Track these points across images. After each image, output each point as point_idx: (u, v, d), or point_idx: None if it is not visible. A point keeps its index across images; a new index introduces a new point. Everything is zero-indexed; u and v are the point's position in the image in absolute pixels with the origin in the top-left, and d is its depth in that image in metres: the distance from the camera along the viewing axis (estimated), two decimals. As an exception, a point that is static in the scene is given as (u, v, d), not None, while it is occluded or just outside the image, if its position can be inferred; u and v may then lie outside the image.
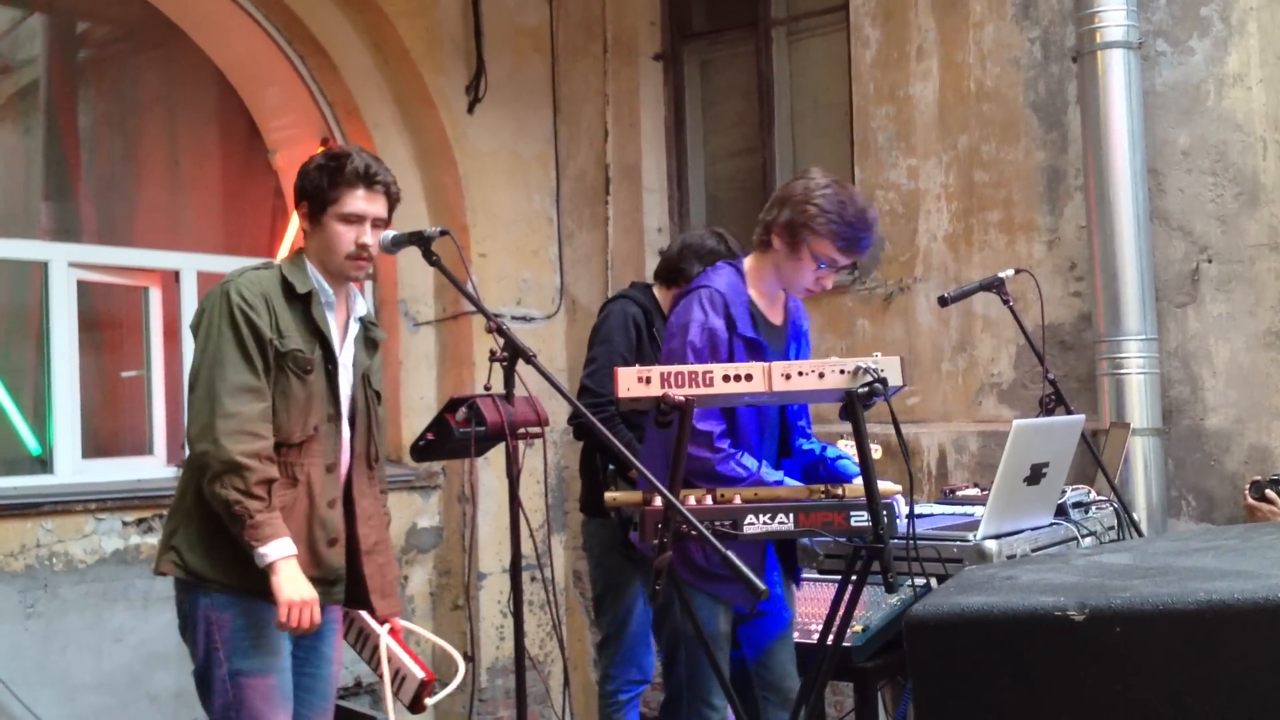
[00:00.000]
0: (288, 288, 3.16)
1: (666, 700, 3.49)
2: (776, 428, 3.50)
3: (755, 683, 3.54)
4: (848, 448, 3.75)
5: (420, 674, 3.27)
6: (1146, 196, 4.56)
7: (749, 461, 3.25)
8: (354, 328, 3.29)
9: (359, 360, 3.31)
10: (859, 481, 3.00)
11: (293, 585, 2.98)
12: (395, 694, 3.31)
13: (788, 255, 3.36)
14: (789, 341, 3.53)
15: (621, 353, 4.15)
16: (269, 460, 3.02)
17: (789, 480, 3.30)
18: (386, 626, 3.34)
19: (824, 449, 3.66)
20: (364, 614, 3.34)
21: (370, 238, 3.19)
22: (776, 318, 3.50)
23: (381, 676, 3.29)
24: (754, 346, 3.34)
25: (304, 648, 3.23)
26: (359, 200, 3.16)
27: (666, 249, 4.56)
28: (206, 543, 3.07)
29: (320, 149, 3.32)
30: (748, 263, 3.49)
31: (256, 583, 3.03)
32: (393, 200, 3.26)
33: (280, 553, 2.98)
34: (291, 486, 3.12)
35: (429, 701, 3.27)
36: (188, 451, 3.18)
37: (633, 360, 4.09)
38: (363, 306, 3.34)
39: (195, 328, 3.15)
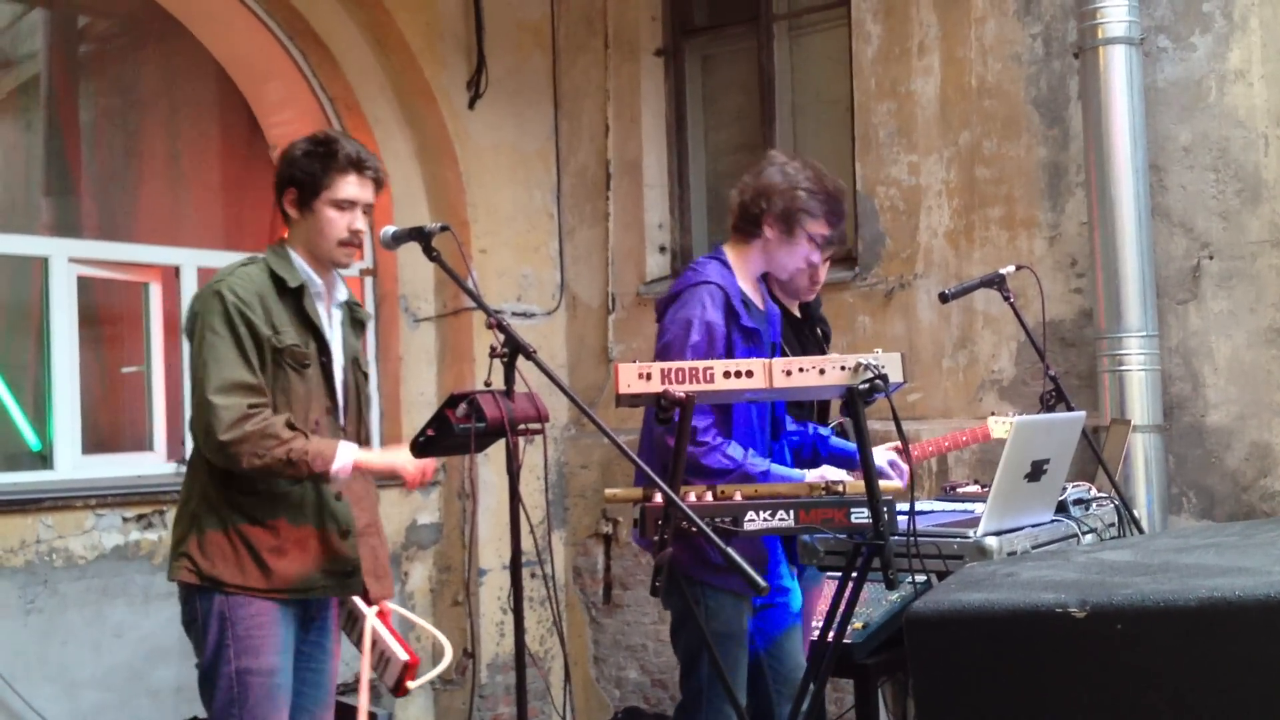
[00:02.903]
0: (278, 282, 3.14)
1: (683, 703, 3.50)
2: (768, 414, 3.59)
3: (768, 675, 3.56)
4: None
5: (404, 656, 3.27)
6: (1148, 193, 4.55)
7: (734, 451, 3.32)
8: (337, 314, 3.29)
9: (348, 344, 3.32)
10: (860, 479, 3.00)
11: (378, 466, 3.10)
12: (380, 676, 3.32)
13: (782, 241, 3.51)
14: (769, 325, 3.61)
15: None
16: (268, 408, 3.03)
17: (776, 468, 3.36)
18: (375, 609, 3.35)
19: (814, 429, 3.72)
20: (354, 596, 3.36)
21: (362, 223, 3.19)
22: (760, 303, 3.61)
23: (364, 656, 3.29)
24: (751, 335, 3.44)
25: (308, 643, 3.26)
26: (352, 185, 3.16)
27: None
28: (218, 546, 3.09)
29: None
30: (729, 252, 3.59)
31: (270, 582, 3.08)
32: (379, 187, 3.26)
33: (347, 459, 3.03)
34: (300, 482, 3.14)
35: (411, 685, 3.28)
36: (189, 454, 3.20)
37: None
38: (343, 290, 3.33)
39: (190, 332, 3.13)
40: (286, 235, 3.26)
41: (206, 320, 3.05)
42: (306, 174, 3.16)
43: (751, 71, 6.04)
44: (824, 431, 3.80)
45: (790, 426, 3.70)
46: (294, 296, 3.16)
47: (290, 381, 3.12)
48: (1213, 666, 1.93)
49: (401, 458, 3.09)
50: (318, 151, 3.16)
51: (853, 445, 3.61)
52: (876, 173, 5.34)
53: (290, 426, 3.02)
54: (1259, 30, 4.45)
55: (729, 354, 3.39)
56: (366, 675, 3.30)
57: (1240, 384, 4.49)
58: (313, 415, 3.16)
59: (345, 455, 3.04)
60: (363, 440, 3.33)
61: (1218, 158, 4.53)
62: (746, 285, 3.55)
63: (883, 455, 3.63)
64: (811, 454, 3.73)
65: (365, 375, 3.40)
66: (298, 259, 3.20)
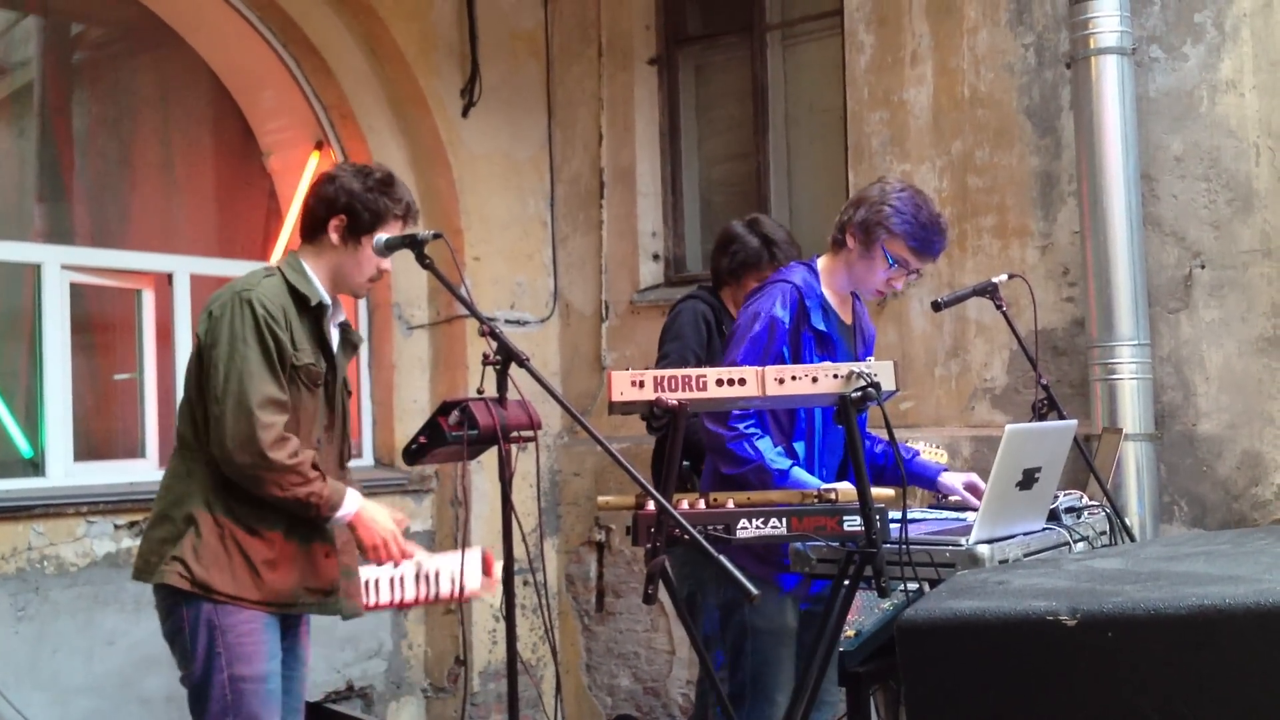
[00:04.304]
0: (299, 299, 3.15)
1: (730, 696, 3.51)
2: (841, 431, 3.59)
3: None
4: (925, 450, 3.87)
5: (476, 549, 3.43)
6: (1140, 202, 4.57)
7: (763, 445, 3.32)
8: (334, 333, 3.31)
9: (341, 365, 3.35)
10: (852, 486, 3.00)
11: (372, 527, 3.12)
12: (460, 578, 3.50)
13: (861, 254, 3.50)
14: (858, 343, 3.61)
15: (693, 349, 4.21)
16: (302, 450, 3.07)
17: (799, 473, 3.35)
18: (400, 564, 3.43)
19: (883, 444, 3.70)
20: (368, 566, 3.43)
21: (389, 263, 3.24)
22: (847, 318, 3.63)
23: (438, 582, 3.40)
24: (824, 340, 3.47)
25: (283, 652, 3.25)
26: (398, 230, 3.19)
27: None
28: (213, 553, 3.08)
29: (338, 160, 3.36)
30: (821, 262, 3.63)
31: (260, 594, 3.09)
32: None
33: (353, 506, 3.08)
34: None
35: (496, 571, 3.44)
36: (177, 454, 3.20)
37: (703, 356, 4.18)
38: (341, 312, 3.35)
39: (208, 334, 3.11)
40: (300, 249, 3.26)
41: (237, 329, 3.05)
42: (368, 210, 3.15)
43: (745, 80, 6.05)
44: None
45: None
46: (312, 315, 3.18)
47: (302, 398, 3.14)
48: (1203, 674, 1.93)
49: (372, 537, 3.16)
50: (382, 191, 3.18)
51: (934, 464, 3.66)
52: (869, 181, 5.33)
53: (315, 466, 3.06)
54: (1250, 41, 4.47)
55: (795, 352, 3.42)
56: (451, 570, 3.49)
57: (1232, 393, 4.50)
58: (315, 434, 3.19)
59: (351, 504, 3.10)
60: (344, 455, 3.38)
61: (1209, 167, 4.54)
62: (831, 295, 3.56)
63: (958, 479, 3.64)
64: (910, 473, 3.66)
65: (349, 392, 3.44)
66: (313, 277, 3.20)
